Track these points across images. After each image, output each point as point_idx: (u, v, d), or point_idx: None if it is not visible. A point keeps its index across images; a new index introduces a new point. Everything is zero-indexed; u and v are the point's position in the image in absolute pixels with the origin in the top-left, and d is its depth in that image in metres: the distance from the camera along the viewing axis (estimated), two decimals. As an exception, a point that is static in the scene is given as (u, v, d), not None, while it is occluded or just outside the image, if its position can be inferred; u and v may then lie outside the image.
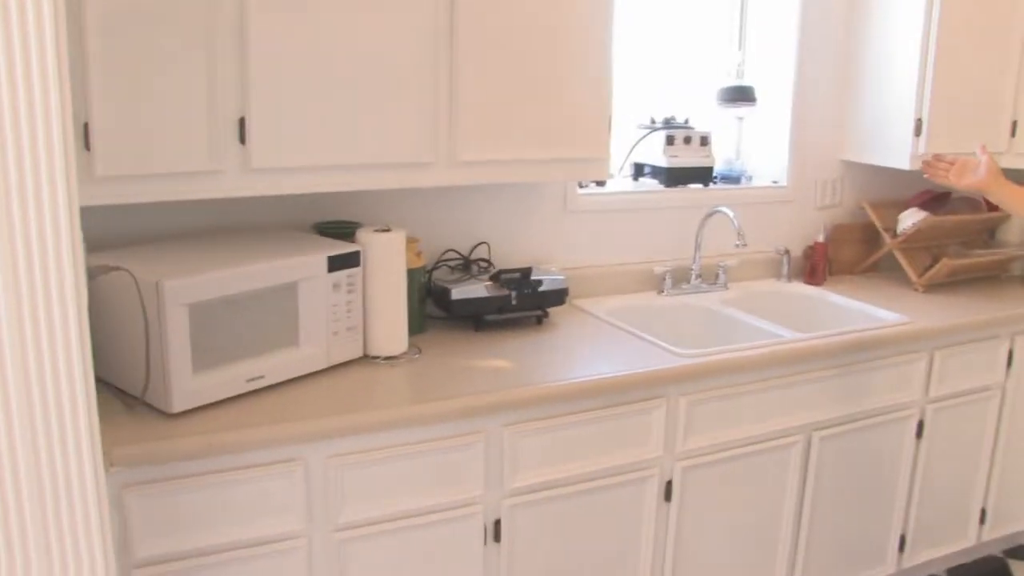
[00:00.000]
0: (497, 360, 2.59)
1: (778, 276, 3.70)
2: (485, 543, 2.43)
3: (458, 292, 2.74)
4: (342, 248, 2.43)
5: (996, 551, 3.84)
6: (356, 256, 2.45)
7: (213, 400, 2.18)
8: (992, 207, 3.89)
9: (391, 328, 2.53)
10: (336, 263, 2.40)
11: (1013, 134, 3.67)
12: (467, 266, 2.93)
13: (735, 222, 3.14)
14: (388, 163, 2.45)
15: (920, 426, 3.26)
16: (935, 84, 3.43)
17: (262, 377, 2.28)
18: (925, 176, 2.93)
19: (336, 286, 2.41)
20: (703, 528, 2.83)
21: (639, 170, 3.47)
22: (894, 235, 3.73)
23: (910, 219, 3.67)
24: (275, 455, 2.12)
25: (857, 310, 3.39)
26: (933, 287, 3.69)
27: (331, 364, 2.44)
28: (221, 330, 2.19)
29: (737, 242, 3.10)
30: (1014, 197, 2.63)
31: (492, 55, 2.55)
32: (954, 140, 3.54)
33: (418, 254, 2.73)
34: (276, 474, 2.12)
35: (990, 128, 3.64)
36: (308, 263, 2.34)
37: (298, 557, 2.19)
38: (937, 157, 2.87)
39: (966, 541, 3.61)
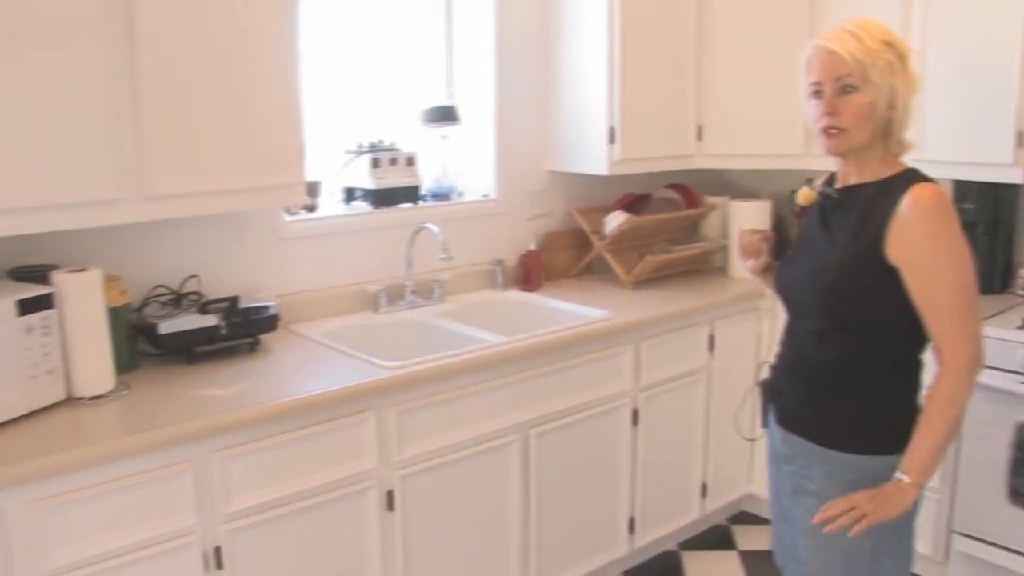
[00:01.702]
0: (209, 389, 2.61)
1: (494, 286, 3.85)
2: (208, 571, 2.44)
3: (166, 327, 2.74)
4: (33, 291, 2.40)
5: (720, 520, 4.14)
6: (49, 298, 2.42)
7: None
8: (691, 204, 4.19)
9: (94, 368, 2.51)
10: (28, 306, 2.36)
11: (700, 138, 3.98)
12: (178, 300, 2.93)
13: (439, 237, 3.27)
14: (74, 203, 2.42)
15: (635, 414, 3.48)
16: (623, 94, 3.69)
17: (-47, 430, 2.23)
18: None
19: (29, 330, 2.37)
20: (432, 534, 2.92)
21: (351, 194, 3.55)
22: (602, 238, 3.97)
23: (614, 221, 3.92)
24: (-36, 507, 2.08)
25: (568, 311, 3.57)
26: (642, 283, 3.95)
27: (32, 409, 2.39)
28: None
29: (442, 255, 3.22)
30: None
31: (177, 88, 2.56)
32: (645, 146, 3.81)
33: (123, 292, 2.72)
34: (-32, 527, 2.08)
35: (678, 133, 3.94)
36: (-5, 309, 2.31)
37: (4, 609, 2.15)
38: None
39: (691, 515, 3.88)
